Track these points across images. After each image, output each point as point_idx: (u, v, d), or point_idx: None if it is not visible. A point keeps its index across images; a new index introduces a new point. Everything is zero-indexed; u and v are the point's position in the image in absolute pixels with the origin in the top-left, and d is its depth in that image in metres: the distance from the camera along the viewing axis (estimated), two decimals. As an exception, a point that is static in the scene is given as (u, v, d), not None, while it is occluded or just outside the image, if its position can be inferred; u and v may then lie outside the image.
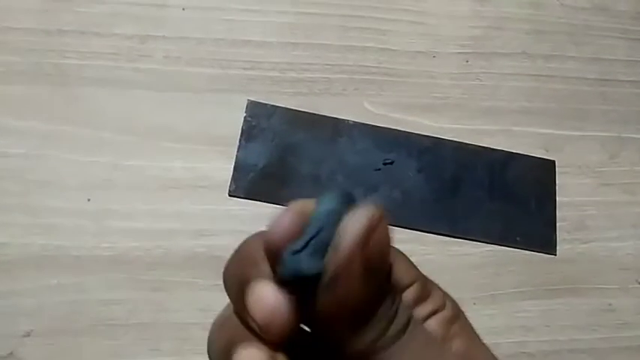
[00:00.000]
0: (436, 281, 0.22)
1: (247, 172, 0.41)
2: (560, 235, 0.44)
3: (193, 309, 0.38)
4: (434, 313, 0.20)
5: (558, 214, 0.44)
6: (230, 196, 0.41)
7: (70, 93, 0.42)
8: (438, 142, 0.45)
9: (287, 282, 0.16)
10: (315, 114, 0.44)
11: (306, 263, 0.16)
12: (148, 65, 0.44)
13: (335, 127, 0.44)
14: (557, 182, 0.45)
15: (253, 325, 0.16)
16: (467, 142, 0.45)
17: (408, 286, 0.20)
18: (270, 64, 0.46)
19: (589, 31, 0.51)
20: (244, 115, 0.43)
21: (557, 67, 0.50)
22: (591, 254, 0.44)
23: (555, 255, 0.43)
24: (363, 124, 0.44)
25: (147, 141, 0.42)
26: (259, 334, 0.16)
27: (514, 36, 0.50)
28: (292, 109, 0.44)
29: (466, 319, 0.21)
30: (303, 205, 0.17)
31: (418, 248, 0.41)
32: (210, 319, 0.37)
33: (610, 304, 0.42)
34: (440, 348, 0.18)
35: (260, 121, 0.43)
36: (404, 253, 0.21)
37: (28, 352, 0.36)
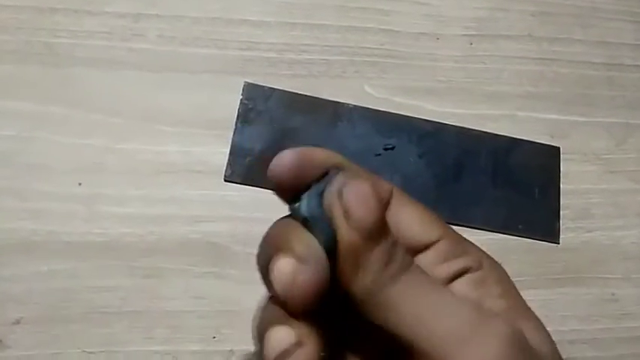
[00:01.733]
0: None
1: (244, 157, 0.40)
2: (563, 223, 0.43)
3: (188, 297, 0.37)
4: (465, 272, 0.20)
5: (562, 201, 0.43)
6: (226, 181, 0.39)
7: (61, 73, 0.41)
8: (439, 127, 0.43)
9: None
10: (313, 97, 0.42)
11: (306, 205, 0.19)
12: (142, 45, 0.42)
13: (334, 110, 0.43)
14: (561, 169, 0.44)
15: (278, 300, 0.18)
16: (470, 127, 0.44)
17: (432, 243, 0.20)
18: (268, 44, 0.44)
19: (596, 14, 0.50)
20: (240, 97, 0.41)
21: (562, 50, 0.48)
22: (595, 243, 0.43)
23: (558, 244, 0.42)
24: (364, 107, 0.43)
25: (140, 123, 0.40)
26: (284, 308, 0.18)
27: (519, 18, 0.49)
28: (290, 92, 0.42)
29: (513, 286, 0.21)
30: (309, 152, 0.20)
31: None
32: (204, 307, 0.37)
33: (613, 294, 0.42)
34: (441, 293, 0.18)
35: (257, 103, 0.41)
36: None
37: (18, 339, 0.35)
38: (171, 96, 0.41)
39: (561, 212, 0.43)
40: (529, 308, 0.21)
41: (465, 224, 0.41)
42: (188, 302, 0.37)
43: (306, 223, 0.19)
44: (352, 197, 0.17)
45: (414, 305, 0.17)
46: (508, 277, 0.21)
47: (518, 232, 0.42)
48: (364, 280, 0.17)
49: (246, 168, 0.40)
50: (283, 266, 0.18)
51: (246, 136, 0.41)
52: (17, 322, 0.35)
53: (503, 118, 0.45)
